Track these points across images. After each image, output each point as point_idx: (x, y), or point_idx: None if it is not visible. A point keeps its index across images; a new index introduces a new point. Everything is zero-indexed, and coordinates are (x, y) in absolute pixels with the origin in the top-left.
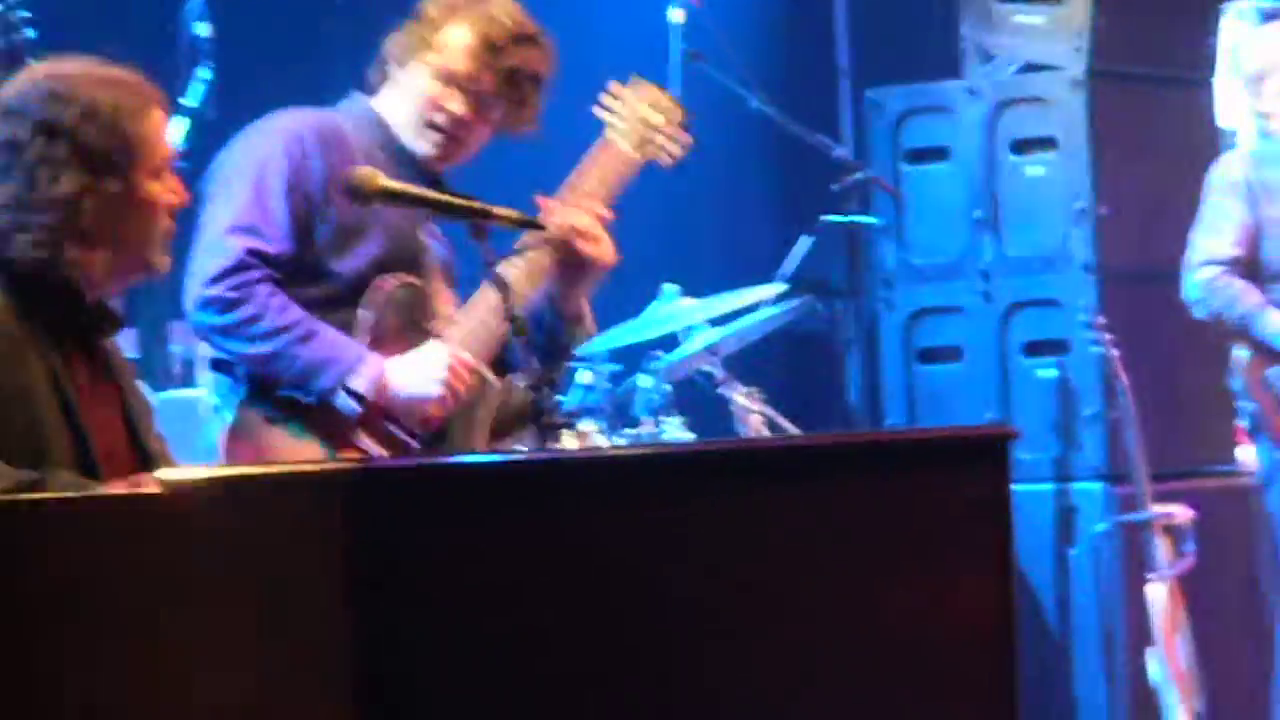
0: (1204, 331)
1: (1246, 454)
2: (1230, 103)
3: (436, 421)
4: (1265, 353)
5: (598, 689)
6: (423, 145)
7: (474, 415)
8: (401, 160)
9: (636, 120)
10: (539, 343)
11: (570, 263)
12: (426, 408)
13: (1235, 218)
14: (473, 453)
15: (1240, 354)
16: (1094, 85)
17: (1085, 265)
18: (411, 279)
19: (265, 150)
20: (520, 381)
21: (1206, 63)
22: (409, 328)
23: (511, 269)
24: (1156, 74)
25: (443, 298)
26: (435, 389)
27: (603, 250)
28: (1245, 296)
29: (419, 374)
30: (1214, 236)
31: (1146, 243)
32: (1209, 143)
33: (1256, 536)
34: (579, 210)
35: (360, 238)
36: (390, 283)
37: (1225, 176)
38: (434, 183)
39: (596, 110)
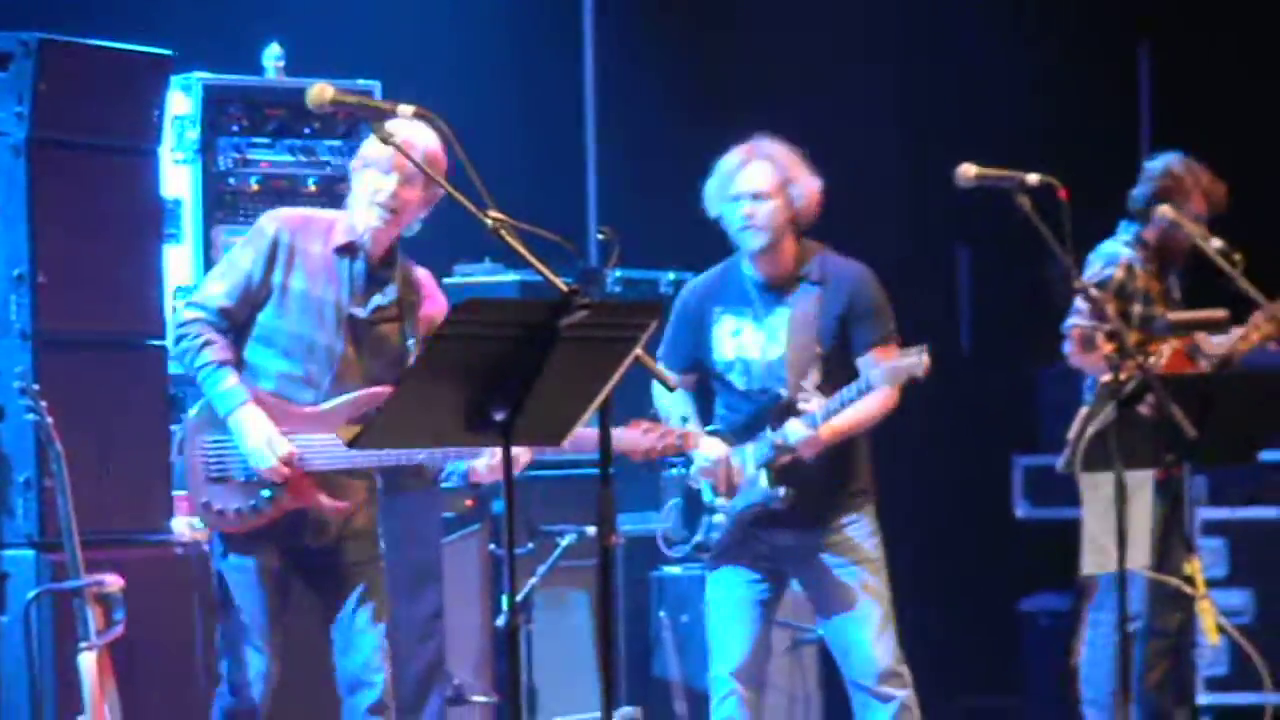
0: (150, 404)
1: (180, 523)
2: (174, 173)
3: None
4: (211, 417)
5: None
6: None
7: None
8: None
9: None
10: None
11: None
12: None
13: (242, 270)
14: None
15: (191, 411)
16: (34, 152)
17: (22, 332)
18: None
19: None
20: None
21: (153, 133)
22: None
23: None
24: (99, 142)
25: None
26: None
27: None
28: (211, 351)
29: None
30: (216, 281)
31: (85, 310)
32: (152, 211)
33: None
34: None
35: None
36: None
37: (261, 231)
38: None
39: None
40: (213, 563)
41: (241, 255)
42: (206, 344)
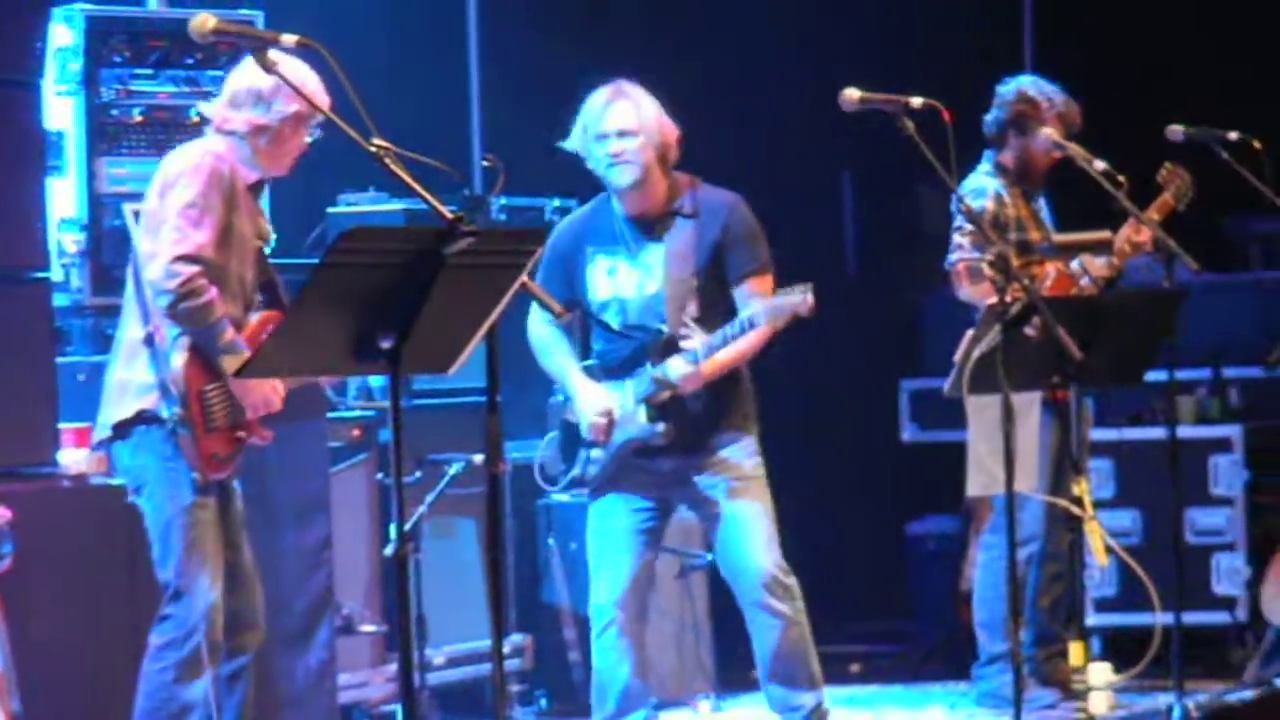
0: (35, 337)
1: (68, 455)
2: (57, 104)
3: None
4: (205, 365)
5: None
6: None
7: None
8: None
9: None
10: None
11: None
12: None
13: (218, 214)
14: None
15: (177, 361)
16: None
17: None
18: None
19: None
20: None
21: (35, 65)
22: None
23: None
24: None
25: None
26: None
27: None
28: (220, 305)
29: None
30: (197, 230)
31: None
32: (35, 143)
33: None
34: None
35: None
36: None
37: (217, 173)
38: None
39: None
40: (157, 502)
41: (210, 199)
42: (216, 297)
